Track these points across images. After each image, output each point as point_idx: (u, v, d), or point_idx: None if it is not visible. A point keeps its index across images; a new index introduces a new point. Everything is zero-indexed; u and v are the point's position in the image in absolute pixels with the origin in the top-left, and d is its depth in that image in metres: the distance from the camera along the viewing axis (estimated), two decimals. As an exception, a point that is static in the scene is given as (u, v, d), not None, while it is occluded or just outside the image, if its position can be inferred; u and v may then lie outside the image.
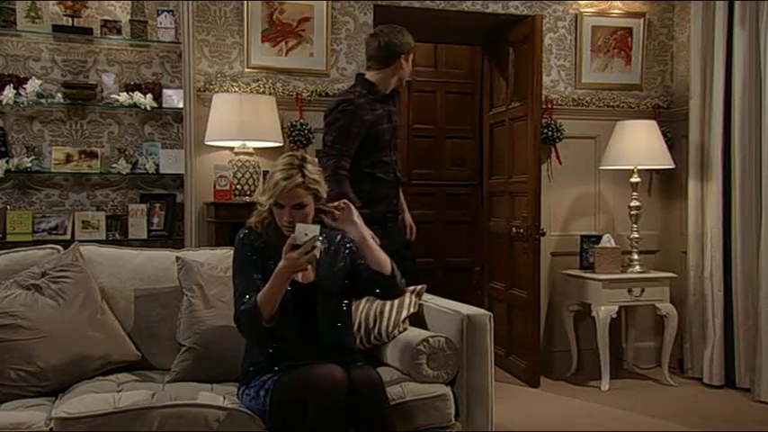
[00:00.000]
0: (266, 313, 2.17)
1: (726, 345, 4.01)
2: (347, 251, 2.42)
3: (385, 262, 2.33)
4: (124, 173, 3.69)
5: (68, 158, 3.64)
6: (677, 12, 4.59)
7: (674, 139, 4.48)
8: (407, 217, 3.47)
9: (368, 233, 2.36)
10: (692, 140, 4.22)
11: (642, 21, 4.52)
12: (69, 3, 3.57)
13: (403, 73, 3.23)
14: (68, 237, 3.55)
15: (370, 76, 3.23)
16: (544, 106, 4.27)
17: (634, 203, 4.19)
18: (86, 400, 2.20)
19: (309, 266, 2.23)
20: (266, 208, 2.31)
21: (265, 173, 3.73)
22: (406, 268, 3.06)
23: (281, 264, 2.15)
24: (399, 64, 3.20)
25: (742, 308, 3.91)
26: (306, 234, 2.12)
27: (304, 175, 2.24)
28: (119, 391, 2.29)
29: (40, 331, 2.41)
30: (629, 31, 4.52)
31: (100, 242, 3.17)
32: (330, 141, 3.09)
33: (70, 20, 3.60)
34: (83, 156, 3.67)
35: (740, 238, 3.91)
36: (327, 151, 3.07)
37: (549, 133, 4.34)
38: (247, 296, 2.21)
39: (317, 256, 2.16)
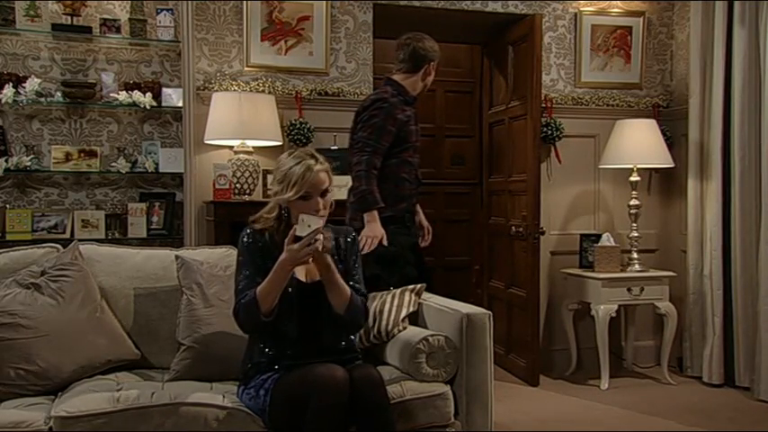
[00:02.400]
0: (265, 307, 2.17)
1: (725, 343, 4.01)
2: (345, 248, 2.42)
3: (339, 305, 2.26)
4: (123, 172, 3.69)
5: (68, 157, 3.64)
6: (677, 11, 4.58)
7: (674, 137, 4.48)
8: (422, 218, 3.46)
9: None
10: (692, 139, 4.22)
11: (642, 20, 4.52)
12: (68, 1, 3.56)
13: (429, 79, 3.35)
14: (68, 235, 3.55)
15: (399, 79, 3.29)
16: (544, 105, 4.27)
17: (633, 202, 4.20)
18: (86, 398, 2.20)
19: (312, 262, 2.20)
20: (273, 215, 2.30)
21: (265, 171, 3.75)
22: (407, 273, 3.06)
23: (282, 256, 2.15)
24: (427, 70, 3.31)
25: (741, 307, 3.91)
26: (309, 226, 2.11)
27: (321, 162, 2.27)
28: (118, 390, 2.28)
29: (40, 330, 2.40)
30: (629, 29, 4.52)
31: (99, 241, 3.17)
32: (364, 138, 3.11)
33: (69, 18, 3.59)
34: (82, 154, 3.67)
35: (740, 237, 3.91)
36: (361, 147, 3.10)
37: (549, 132, 4.34)
38: (248, 291, 2.21)
39: (320, 249, 2.14)
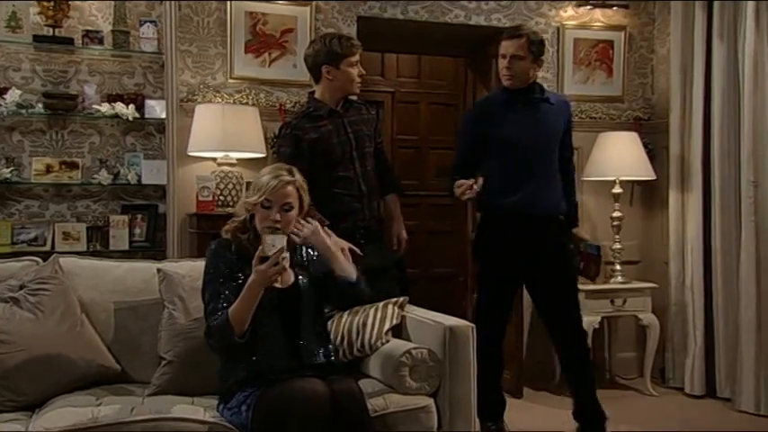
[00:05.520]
0: (238, 329, 2.17)
1: (707, 355, 4.04)
2: (313, 260, 2.44)
3: (350, 269, 2.36)
4: (105, 183, 3.66)
5: (48, 169, 3.61)
6: (657, 25, 4.64)
7: (655, 150, 4.52)
8: (397, 227, 3.30)
9: (332, 242, 2.42)
10: (673, 152, 4.26)
11: (623, 34, 4.57)
12: (50, 13, 3.55)
13: (337, 83, 3.07)
14: (48, 248, 3.51)
15: (316, 92, 3.16)
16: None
17: (616, 214, 4.22)
18: (64, 414, 2.17)
19: (284, 273, 2.23)
20: (241, 218, 2.32)
21: (248, 184, 3.74)
22: (390, 289, 3.00)
23: (251, 278, 2.16)
24: (326, 75, 3.07)
25: (722, 318, 3.94)
26: (273, 245, 2.13)
27: (293, 176, 2.30)
28: (98, 405, 2.26)
29: (18, 345, 2.37)
30: (611, 43, 4.56)
31: (80, 253, 3.15)
32: None
33: (51, 30, 3.57)
34: (63, 166, 3.64)
35: (720, 249, 3.94)
36: None
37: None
38: (219, 312, 2.21)
39: (286, 267, 2.17)
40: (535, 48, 3.11)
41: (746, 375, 3.74)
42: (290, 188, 2.28)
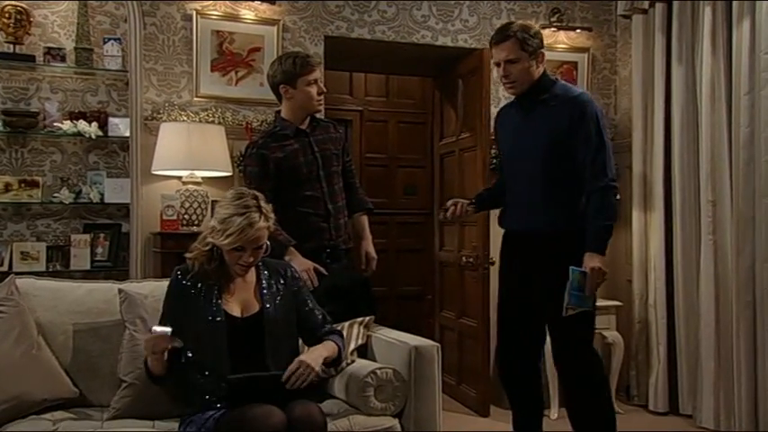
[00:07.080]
0: (155, 371, 2.23)
1: (670, 372, 4.09)
2: (295, 287, 2.43)
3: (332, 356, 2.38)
4: (67, 202, 3.60)
5: (7, 188, 3.53)
6: (619, 47, 4.74)
7: (619, 169, 4.57)
8: (366, 246, 3.27)
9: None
10: (636, 171, 4.33)
11: (586, 55, 4.66)
12: (11, 29, 3.50)
13: (296, 102, 3.04)
14: (6, 268, 3.43)
15: (282, 111, 3.14)
16: (493, 137, 4.32)
17: (581, 233, 4.26)
18: (18, 440, 2.12)
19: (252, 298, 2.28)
20: (207, 248, 2.29)
21: (214, 203, 3.70)
22: (356, 308, 2.95)
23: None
24: (285, 95, 3.04)
25: (684, 335, 4.00)
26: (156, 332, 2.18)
27: (266, 217, 2.24)
28: (54, 430, 2.21)
29: (-29, 369, 2.31)
30: (575, 64, 4.64)
31: (39, 274, 3.07)
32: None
33: (12, 47, 3.52)
34: (23, 185, 3.57)
35: (681, 267, 4.01)
36: None
37: (498, 163, 4.39)
38: None
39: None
40: (528, 44, 2.74)
41: (706, 392, 3.80)
42: (262, 232, 2.23)
